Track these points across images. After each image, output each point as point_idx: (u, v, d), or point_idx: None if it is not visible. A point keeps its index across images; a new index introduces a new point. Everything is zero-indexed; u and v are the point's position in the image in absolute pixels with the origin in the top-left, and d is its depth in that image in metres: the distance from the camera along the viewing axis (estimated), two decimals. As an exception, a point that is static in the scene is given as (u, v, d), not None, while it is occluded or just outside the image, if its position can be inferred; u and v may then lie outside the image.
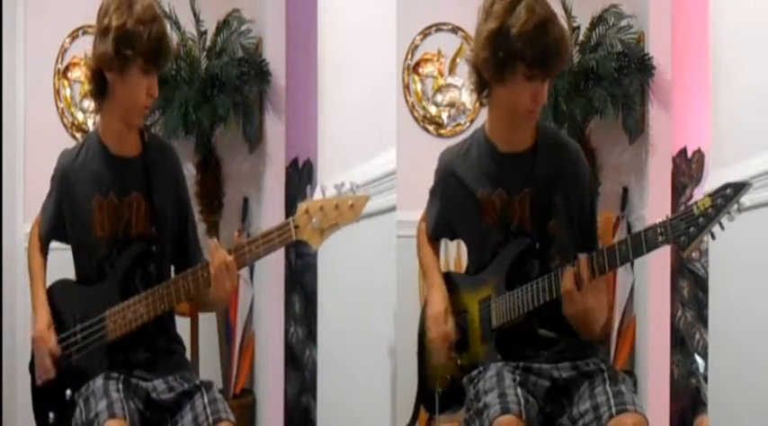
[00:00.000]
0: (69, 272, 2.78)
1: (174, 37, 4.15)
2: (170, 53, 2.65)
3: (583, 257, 2.37)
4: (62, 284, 2.75)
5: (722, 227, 2.26)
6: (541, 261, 2.53)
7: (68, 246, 2.75)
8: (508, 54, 2.41)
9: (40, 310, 2.69)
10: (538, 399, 2.43)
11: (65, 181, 2.71)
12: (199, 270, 2.54)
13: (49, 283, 2.76)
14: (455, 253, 3.60)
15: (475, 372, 2.51)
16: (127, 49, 2.53)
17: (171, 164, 2.75)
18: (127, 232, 2.65)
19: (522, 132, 2.56)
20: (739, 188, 2.23)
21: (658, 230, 2.28)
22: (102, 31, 2.56)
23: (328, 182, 2.57)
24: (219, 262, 2.49)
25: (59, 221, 2.73)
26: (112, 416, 2.41)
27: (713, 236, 2.27)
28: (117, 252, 2.64)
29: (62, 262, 2.79)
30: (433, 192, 2.75)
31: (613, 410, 2.31)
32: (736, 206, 2.23)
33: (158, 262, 2.67)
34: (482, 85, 2.53)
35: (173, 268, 2.73)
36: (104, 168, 2.67)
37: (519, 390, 2.37)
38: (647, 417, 2.33)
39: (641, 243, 2.30)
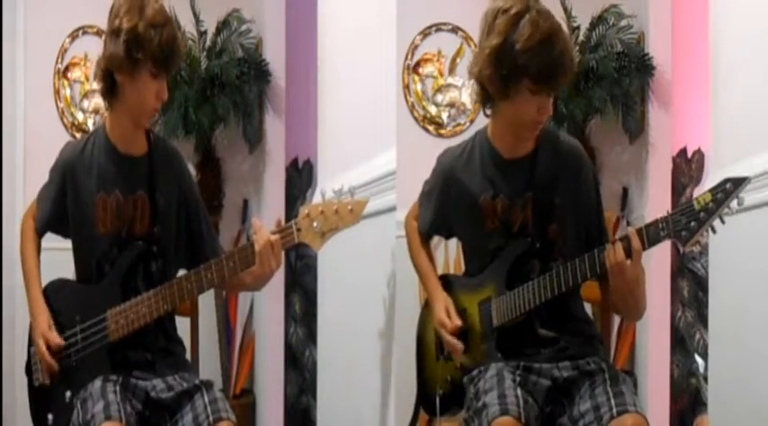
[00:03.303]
0: (66, 273, 2.77)
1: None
2: (181, 56, 2.64)
3: (631, 229, 2.35)
4: (60, 283, 2.74)
5: (722, 221, 2.27)
6: (542, 262, 2.53)
7: (67, 246, 2.74)
8: (512, 70, 2.38)
9: (38, 311, 2.67)
10: (538, 399, 2.43)
11: (70, 173, 2.69)
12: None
13: (45, 283, 2.74)
14: (455, 254, 3.60)
15: (476, 372, 2.51)
16: (137, 53, 2.51)
17: (176, 166, 2.73)
18: (130, 231, 2.64)
19: (526, 139, 2.56)
20: (739, 182, 2.26)
21: (660, 225, 2.30)
22: (113, 32, 2.55)
23: (328, 184, 2.58)
24: (264, 241, 2.49)
25: (60, 213, 2.71)
26: (108, 418, 2.40)
27: (713, 230, 2.28)
28: (118, 251, 2.63)
29: (60, 263, 2.78)
30: (429, 192, 2.74)
31: (614, 410, 2.31)
32: (736, 200, 2.25)
33: (161, 262, 2.66)
34: (486, 99, 2.51)
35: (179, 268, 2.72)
36: (111, 165, 2.66)
37: (519, 391, 2.37)
38: (647, 418, 2.33)
39: (642, 237, 2.32)
